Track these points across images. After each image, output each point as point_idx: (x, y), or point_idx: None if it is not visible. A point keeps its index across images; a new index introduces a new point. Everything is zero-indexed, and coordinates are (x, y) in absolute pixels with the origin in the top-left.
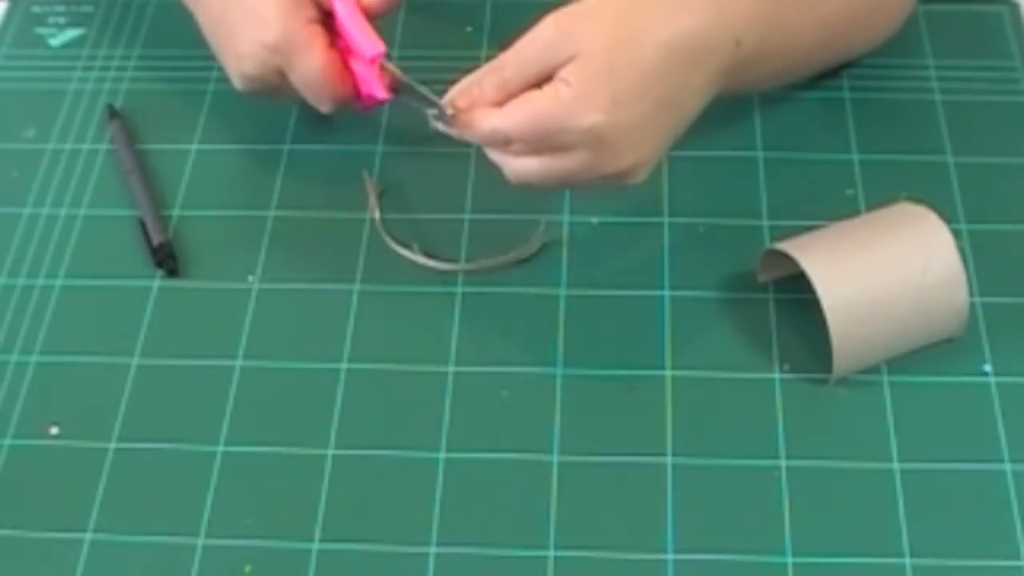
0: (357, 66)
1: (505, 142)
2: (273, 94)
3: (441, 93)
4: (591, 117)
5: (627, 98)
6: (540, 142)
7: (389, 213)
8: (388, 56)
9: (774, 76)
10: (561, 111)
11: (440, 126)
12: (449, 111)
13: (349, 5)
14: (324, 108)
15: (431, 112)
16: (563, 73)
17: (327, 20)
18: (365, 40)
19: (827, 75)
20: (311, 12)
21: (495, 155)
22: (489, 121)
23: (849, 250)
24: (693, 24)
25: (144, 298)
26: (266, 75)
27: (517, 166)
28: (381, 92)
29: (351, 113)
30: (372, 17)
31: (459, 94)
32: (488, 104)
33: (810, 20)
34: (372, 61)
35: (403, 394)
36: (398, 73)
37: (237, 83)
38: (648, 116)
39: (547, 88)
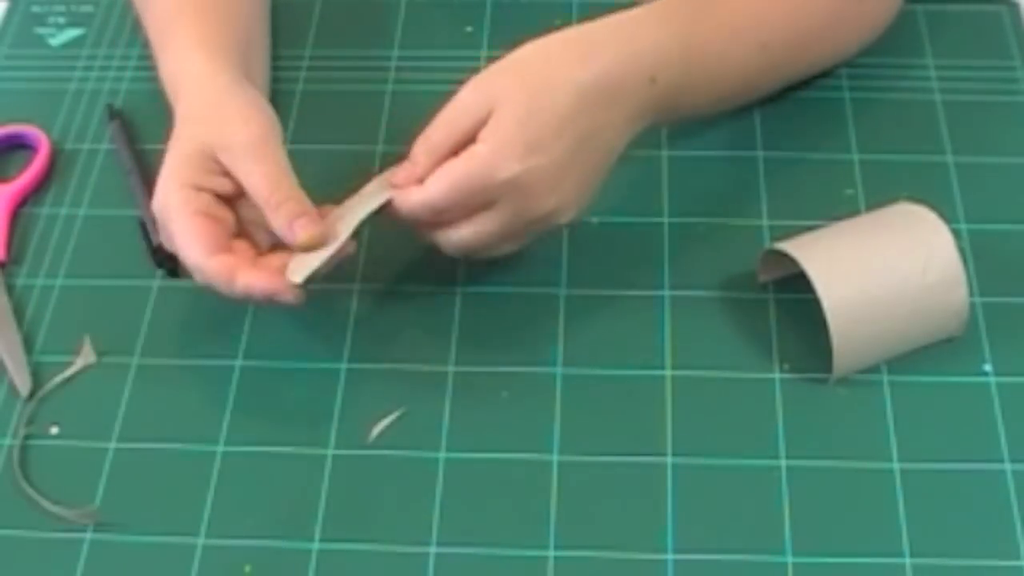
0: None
1: (435, 214)
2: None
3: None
4: (508, 168)
5: (541, 143)
6: (466, 204)
7: None
8: None
9: (711, 103)
10: (478, 169)
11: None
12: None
13: None
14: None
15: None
16: (481, 133)
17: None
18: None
19: (827, 74)
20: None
21: (431, 234)
22: (415, 197)
23: (849, 250)
24: (602, 66)
25: (144, 298)
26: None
27: (453, 236)
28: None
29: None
30: None
31: (397, 171)
32: (422, 174)
33: (747, 46)
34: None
35: (403, 394)
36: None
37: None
38: (565, 157)
39: (464, 152)
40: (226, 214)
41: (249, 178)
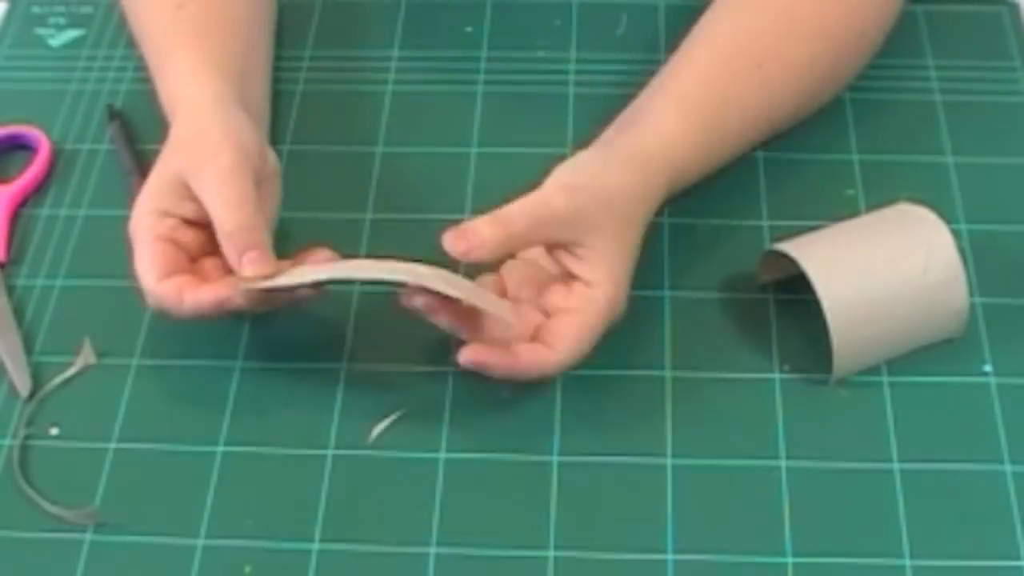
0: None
1: (477, 368)
2: None
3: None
4: (619, 310)
5: (627, 276)
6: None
7: (389, 213)
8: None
9: (715, 171)
10: (605, 316)
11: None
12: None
13: None
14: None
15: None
16: (587, 275)
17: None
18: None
19: None
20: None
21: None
22: (551, 361)
23: (849, 250)
24: (656, 200)
25: (144, 298)
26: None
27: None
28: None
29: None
30: None
31: (454, 233)
32: (486, 250)
33: (757, 122)
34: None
35: (403, 394)
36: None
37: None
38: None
39: (586, 299)
40: (193, 237)
41: (210, 205)
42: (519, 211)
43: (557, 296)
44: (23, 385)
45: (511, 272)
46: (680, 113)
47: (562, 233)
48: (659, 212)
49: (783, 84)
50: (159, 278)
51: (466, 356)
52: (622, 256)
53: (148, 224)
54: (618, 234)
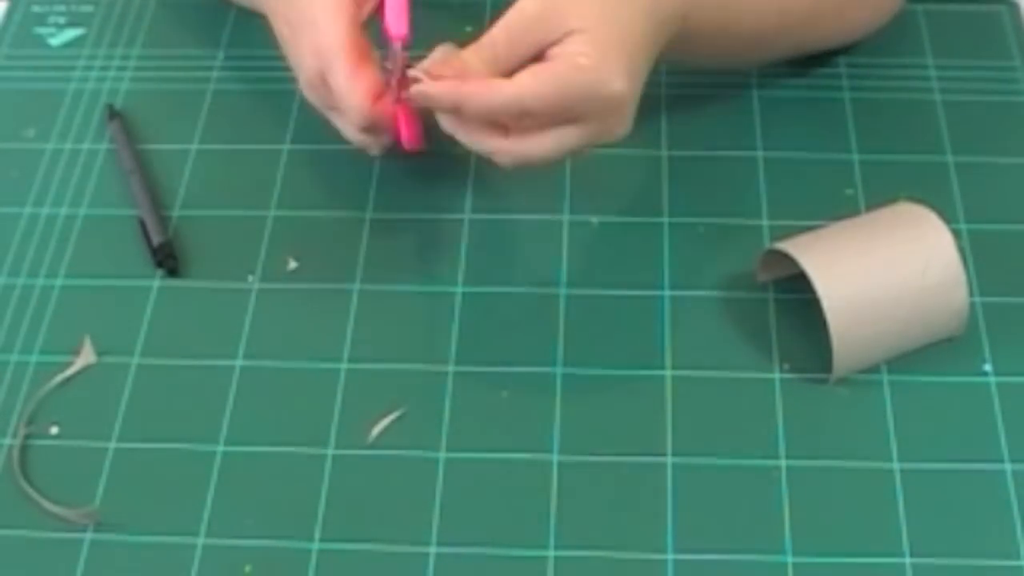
0: (402, 109)
1: (517, 116)
2: (329, 111)
3: None
4: (614, 85)
5: (636, 65)
6: (560, 113)
7: (389, 213)
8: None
9: (720, 55)
10: (587, 80)
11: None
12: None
13: None
14: (356, 120)
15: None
16: (574, 47)
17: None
18: (392, 19)
19: (827, 75)
20: (356, 12)
21: (489, 138)
22: (506, 90)
23: (849, 250)
24: (667, 8)
25: (144, 298)
26: (315, 82)
27: (518, 146)
28: (416, 139)
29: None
30: None
31: (440, 64)
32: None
33: (767, 8)
34: (395, 39)
35: (403, 394)
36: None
37: (305, 93)
38: (644, 79)
39: (565, 58)
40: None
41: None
42: (497, 30)
43: None
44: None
45: None
46: None
47: (544, 33)
48: (659, 212)
49: None
50: (374, 100)
51: (416, 89)
52: (611, 33)
53: (355, 40)
54: (609, 16)
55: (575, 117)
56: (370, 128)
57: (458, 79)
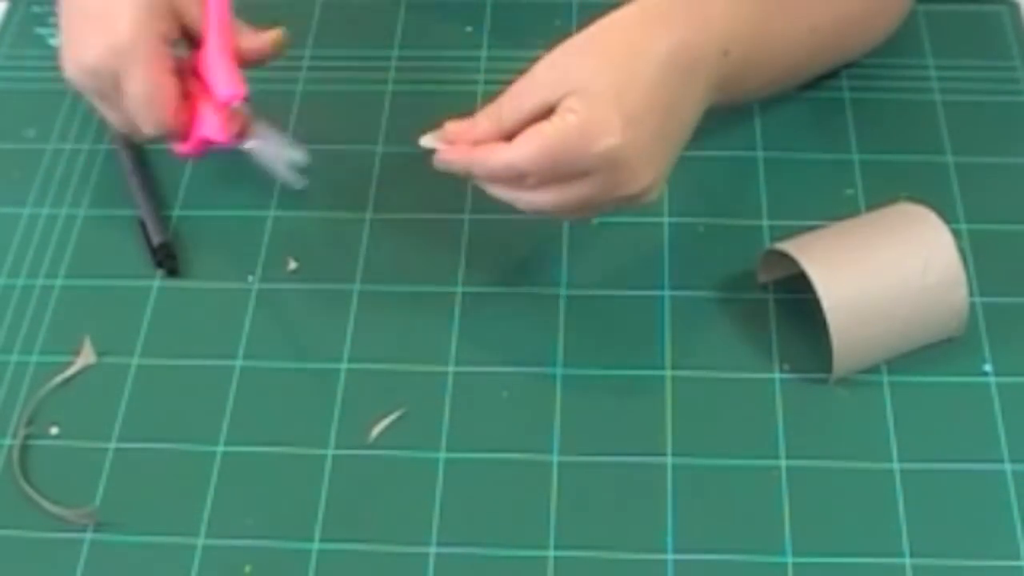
0: (204, 108)
1: (518, 176)
2: (103, 102)
3: (438, 120)
4: (605, 141)
5: (636, 115)
6: (554, 172)
7: (389, 213)
8: (247, 101)
9: (766, 85)
10: (573, 138)
11: (428, 142)
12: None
13: (222, 40)
14: (145, 130)
15: (426, 138)
16: (567, 103)
17: (189, 47)
18: (224, 80)
19: (827, 75)
20: (167, 30)
21: (507, 192)
22: (501, 156)
23: (849, 250)
24: (680, 37)
25: (144, 298)
26: (101, 75)
27: (532, 199)
28: (222, 135)
29: (349, 107)
30: (247, 64)
31: (453, 129)
32: (480, 136)
33: (799, 28)
34: (223, 105)
35: (403, 394)
36: (258, 122)
37: (69, 71)
38: (657, 130)
39: (554, 118)
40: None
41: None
42: (506, 93)
43: None
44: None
45: None
46: None
47: (547, 93)
48: (659, 212)
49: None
50: (174, 112)
51: (425, 139)
52: (608, 88)
53: (158, 51)
54: (606, 69)
55: (576, 175)
56: (159, 135)
57: (467, 145)
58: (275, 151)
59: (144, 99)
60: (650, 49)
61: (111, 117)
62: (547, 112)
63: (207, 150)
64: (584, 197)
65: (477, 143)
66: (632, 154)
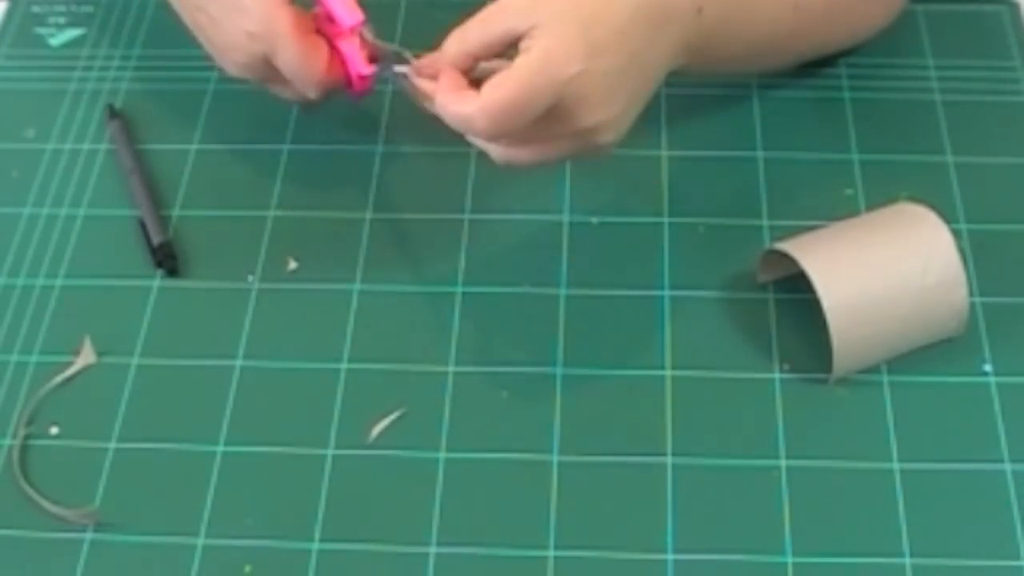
0: (344, 46)
1: (470, 130)
2: (270, 84)
3: None
4: (568, 68)
5: (601, 47)
6: (525, 115)
7: (389, 213)
8: (367, 25)
9: (742, 56)
10: (540, 65)
11: (401, 69)
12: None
13: None
14: (311, 94)
15: (400, 67)
16: (534, 34)
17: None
18: (343, 9)
19: (827, 75)
20: None
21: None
22: (461, 108)
23: (849, 250)
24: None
25: (144, 298)
26: (255, 63)
27: (504, 153)
28: (364, 67)
29: (349, 106)
30: None
31: (424, 63)
32: (448, 61)
33: (781, 3)
34: (351, 31)
35: (403, 394)
36: (378, 43)
37: (232, 72)
38: (619, 69)
39: (518, 59)
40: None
41: None
42: (473, 19)
43: None
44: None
45: None
46: None
47: (517, 20)
48: (659, 212)
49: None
50: (327, 67)
51: (399, 68)
52: (573, 19)
53: (291, 15)
54: (590, 8)
55: (539, 113)
56: (324, 91)
57: (437, 80)
58: (398, 72)
59: (300, 67)
60: None
61: (286, 95)
62: (512, 40)
63: (364, 90)
64: (542, 135)
65: (444, 70)
66: (592, 83)
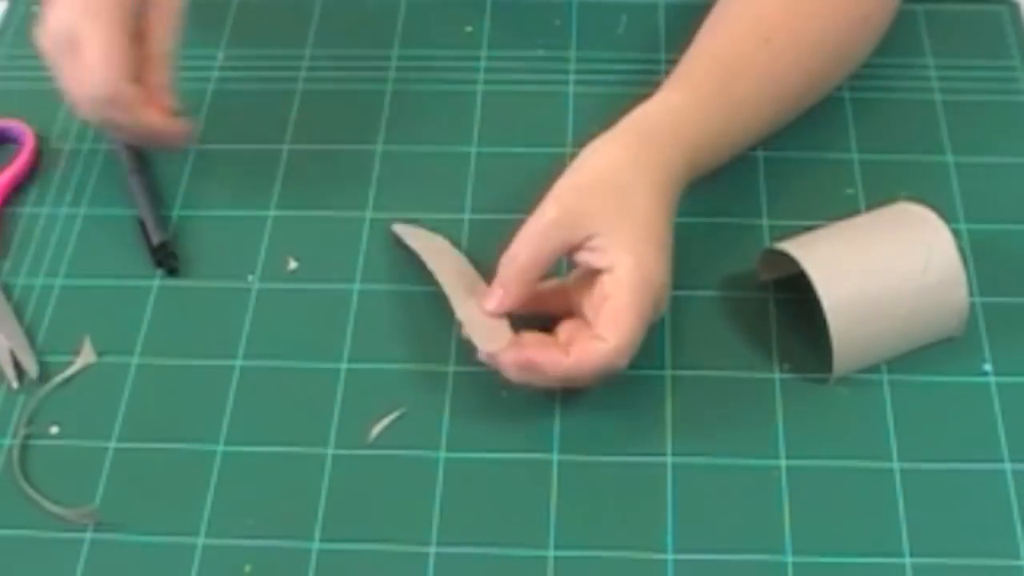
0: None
1: (525, 367)
2: (58, 61)
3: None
4: (629, 354)
5: (662, 242)
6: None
7: (389, 213)
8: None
9: (728, 159)
10: (609, 360)
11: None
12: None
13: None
14: (100, 88)
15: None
16: (599, 330)
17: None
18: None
19: None
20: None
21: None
22: (566, 363)
23: (849, 250)
24: (673, 176)
25: (144, 298)
26: (60, 38)
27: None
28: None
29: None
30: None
31: (487, 294)
32: (512, 303)
33: (768, 93)
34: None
35: (403, 394)
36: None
37: (39, 39)
38: (661, 244)
39: (591, 343)
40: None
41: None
42: (520, 241)
43: (589, 300)
44: (31, 367)
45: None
46: (687, 87)
47: (568, 236)
48: None
49: (792, 58)
50: (127, 79)
51: (513, 355)
52: (636, 229)
53: (115, 17)
54: (624, 210)
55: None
56: (103, 108)
57: (560, 353)
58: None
59: (100, 58)
60: (645, 190)
61: (63, 78)
62: (565, 252)
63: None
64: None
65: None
66: (658, 277)
